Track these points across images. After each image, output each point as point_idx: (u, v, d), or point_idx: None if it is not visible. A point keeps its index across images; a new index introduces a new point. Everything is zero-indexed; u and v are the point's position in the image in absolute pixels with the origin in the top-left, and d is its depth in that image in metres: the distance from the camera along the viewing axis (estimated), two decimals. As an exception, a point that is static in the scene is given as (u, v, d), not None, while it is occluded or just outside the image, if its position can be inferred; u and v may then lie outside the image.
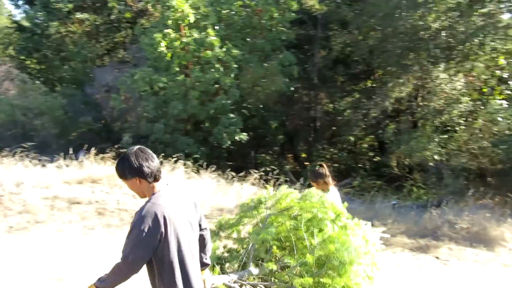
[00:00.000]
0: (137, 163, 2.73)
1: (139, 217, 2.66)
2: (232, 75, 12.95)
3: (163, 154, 9.86)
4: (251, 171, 9.66)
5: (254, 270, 3.55)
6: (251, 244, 3.69)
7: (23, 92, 15.25)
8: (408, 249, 7.33)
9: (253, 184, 9.17)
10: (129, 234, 2.67)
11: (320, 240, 3.50)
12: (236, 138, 12.82)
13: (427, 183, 12.86)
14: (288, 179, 10.02)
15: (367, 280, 3.71)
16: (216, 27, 13.12)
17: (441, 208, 8.92)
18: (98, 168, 9.36)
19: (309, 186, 4.80)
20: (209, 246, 3.18)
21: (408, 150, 12.47)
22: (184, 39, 12.47)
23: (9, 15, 24.36)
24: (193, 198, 3.01)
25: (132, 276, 2.73)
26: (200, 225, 3.05)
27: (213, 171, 9.82)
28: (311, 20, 16.16)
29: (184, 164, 9.66)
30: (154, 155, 2.82)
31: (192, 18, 12.53)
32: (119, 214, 7.57)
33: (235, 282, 3.44)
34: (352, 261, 3.33)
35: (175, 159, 9.63)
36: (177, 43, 12.39)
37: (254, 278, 3.56)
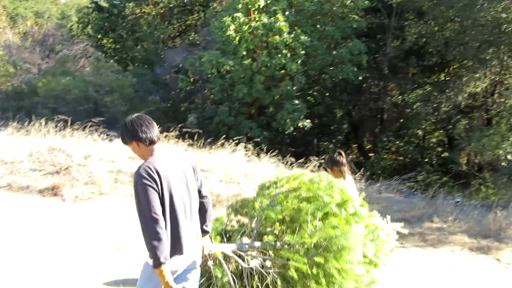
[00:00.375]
0: (133, 129, 2.94)
1: (138, 175, 2.83)
2: (299, 62, 12.81)
3: (225, 136, 9.95)
4: (311, 158, 9.54)
5: (256, 243, 3.63)
6: (255, 219, 3.80)
7: (97, 69, 15.86)
8: (468, 249, 6.97)
9: (312, 171, 9.03)
10: (135, 193, 2.85)
11: (322, 223, 3.55)
12: (300, 124, 12.72)
13: (497, 183, 12.22)
14: (349, 168, 9.82)
15: (369, 267, 3.75)
16: (286, 13, 13.01)
17: (508, 210, 8.41)
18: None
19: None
20: (210, 214, 3.29)
21: (479, 148, 11.91)
22: (253, 24, 12.45)
23: (89, -5, 25.32)
24: (193, 163, 3.15)
25: (161, 229, 2.79)
26: (200, 192, 3.18)
27: (273, 156, 9.79)
28: (385, 8, 15.66)
29: (245, 147, 9.69)
30: (151, 121, 3.03)
31: (262, 3, 12.48)
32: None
33: (233, 252, 3.52)
34: (349, 247, 3.35)
35: (237, 141, 9.68)
36: (245, 27, 12.40)
37: (254, 251, 3.62)
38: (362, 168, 9.94)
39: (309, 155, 10.67)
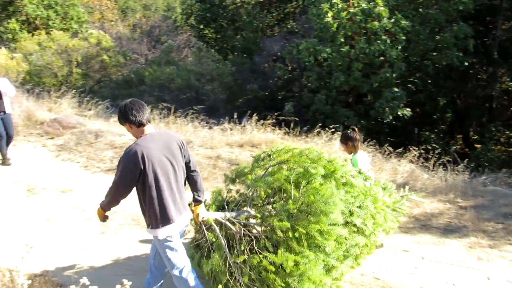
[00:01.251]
0: (125, 112, 3.49)
1: (125, 154, 3.43)
2: (399, 47, 12.37)
3: (321, 124, 9.93)
4: (410, 148, 9.22)
5: (247, 211, 3.98)
6: (249, 190, 4.17)
7: (198, 59, 16.47)
8: None
9: (411, 161, 8.73)
10: (117, 166, 3.46)
11: (304, 190, 3.86)
12: (399, 113, 12.33)
13: None
14: (450, 159, 9.36)
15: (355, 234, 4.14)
16: (387, -3, 12.63)
17: None
18: (259, 134, 9.77)
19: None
20: (200, 185, 3.81)
21: None
22: (352, 10, 12.23)
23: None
24: (180, 141, 3.63)
25: (121, 200, 3.53)
26: (189, 167, 3.70)
27: (371, 145, 9.60)
28: (496, -12, 14.64)
29: (341, 136, 9.61)
30: (142, 106, 3.54)
31: (361, -12, 12.22)
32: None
33: (226, 218, 3.87)
34: (327, 211, 3.66)
35: (333, 130, 9.62)
36: (344, 14, 12.21)
37: (247, 219, 3.93)
38: (466, 160, 9.42)
39: (408, 145, 10.33)
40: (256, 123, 10.14)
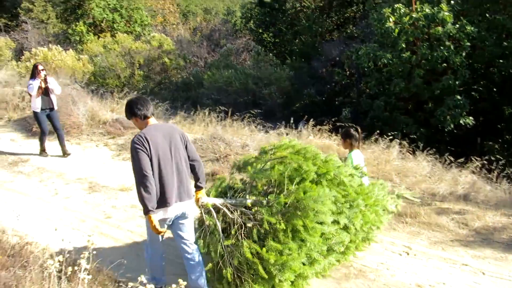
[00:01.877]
0: (131, 107, 3.97)
1: (132, 143, 3.81)
2: (463, 54, 11.94)
3: (379, 131, 9.74)
4: (472, 158, 8.88)
5: (243, 200, 4.33)
6: (246, 180, 4.65)
7: (256, 63, 16.59)
8: None
9: (473, 172, 8.41)
10: (131, 157, 3.81)
11: (296, 187, 4.21)
12: (461, 122, 11.88)
13: None
14: (515, 171, 8.94)
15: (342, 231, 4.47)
16: (452, 1, 12.22)
17: None
18: (315, 139, 9.71)
19: None
20: (201, 173, 4.22)
21: None
22: (414, 15, 11.93)
23: (253, -9, 26.41)
24: (181, 133, 4.08)
25: (151, 184, 3.72)
26: (189, 157, 4.12)
27: (430, 154, 9.33)
28: None
29: (400, 144, 9.38)
30: (146, 101, 4.03)
31: (425, -8, 11.91)
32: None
33: (224, 205, 4.27)
34: (315, 208, 4.00)
35: (391, 137, 9.42)
36: (406, 19, 11.93)
37: (245, 207, 4.26)
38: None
39: (470, 154, 9.95)
40: (313, 128, 10.09)
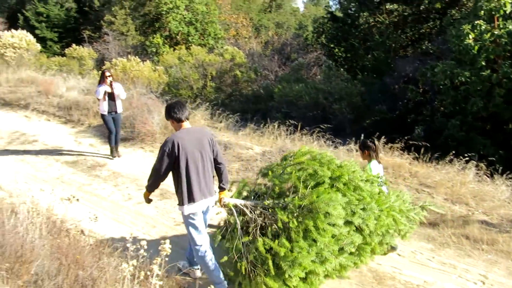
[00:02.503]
0: (169, 110, 4.53)
1: (164, 143, 4.43)
2: (549, 73, 11.28)
3: (454, 152, 9.35)
4: (557, 185, 8.31)
5: (266, 201, 4.71)
6: (268, 185, 5.02)
7: (327, 77, 16.50)
8: None
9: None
10: (158, 153, 4.44)
11: (310, 191, 4.59)
12: (546, 144, 11.21)
13: None
14: None
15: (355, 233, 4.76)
16: (538, 19, 11.60)
17: None
18: (386, 157, 9.47)
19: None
20: (225, 175, 4.78)
21: None
22: (496, 31, 11.42)
23: (325, 6, 26.41)
24: (210, 138, 4.59)
25: (159, 183, 4.58)
26: (216, 160, 4.66)
27: (510, 177, 8.82)
28: None
29: (477, 166, 8.95)
30: (183, 106, 4.54)
31: (508, 8, 11.35)
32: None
33: (244, 205, 4.68)
34: (325, 210, 4.33)
35: (467, 158, 9.01)
36: (487, 36, 11.44)
37: (263, 208, 4.66)
38: None
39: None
40: (384, 145, 9.85)
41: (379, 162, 5.86)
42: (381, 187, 5.38)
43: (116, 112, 9.37)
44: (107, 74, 9.24)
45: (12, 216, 4.18)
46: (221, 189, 4.79)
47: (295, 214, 4.42)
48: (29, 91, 14.98)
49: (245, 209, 4.67)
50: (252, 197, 4.93)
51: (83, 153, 9.87)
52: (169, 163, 4.39)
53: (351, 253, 4.85)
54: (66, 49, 25.79)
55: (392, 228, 5.13)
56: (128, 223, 6.55)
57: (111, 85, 9.19)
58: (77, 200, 6.87)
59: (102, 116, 9.39)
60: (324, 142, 10.39)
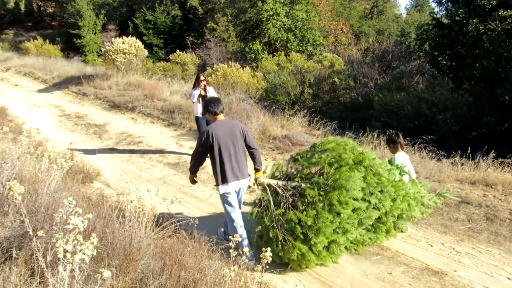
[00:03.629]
0: (206, 105, 5.46)
1: (202, 133, 5.39)
2: None
3: None
4: None
5: (292, 182, 5.53)
6: (300, 167, 5.77)
7: (431, 86, 15.76)
8: None
9: None
10: (198, 140, 5.50)
11: (334, 171, 5.35)
12: None
13: None
14: None
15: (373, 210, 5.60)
16: None
17: None
18: (494, 173, 8.86)
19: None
20: (258, 159, 5.61)
21: None
22: None
23: (430, 13, 25.36)
24: (241, 128, 5.46)
25: (199, 166, 5.62)
26: (248, 146, 5.51)
27: None
28: None
29: None
30: (218, 101, 5.50)
31: None
32: (510, 224, 6.99)
33: (277, 184, 5.49)
34: (347, 186, 5.10)
35: None
36: None
37: (293, 187, 5.45)
38: None
39: None
40: (493, 160, 9.22)
41: (406, 153, 6.85)
42: (402, 176, 6.27)
43: None
44: (202, 78, 9.61)
45: (120, 214, 4.39)
46: (256, 170, 5.67)
47: (321, 191, 5.19)
48: (136, 94, 15.87)
49: (277, 188, 5.46)
50: (284, 178, 5.70)
51: (184, 155, 10.24)
52: (205, 150, 5.31)
53: (368, 230, 5.77)
54: (170, 54, 27.03)
55: (406, 213, 5.98)
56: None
57: (205, 89, 9.51)
58: (179, 201, 7.15)
59: (196, 118, 9.79)
60: (426, 154, 9.95)
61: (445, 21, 21.90)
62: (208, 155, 5.40)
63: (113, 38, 21.47)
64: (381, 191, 5.61)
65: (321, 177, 5.32)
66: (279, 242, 5.19)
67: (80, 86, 18.80)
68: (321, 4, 34.48)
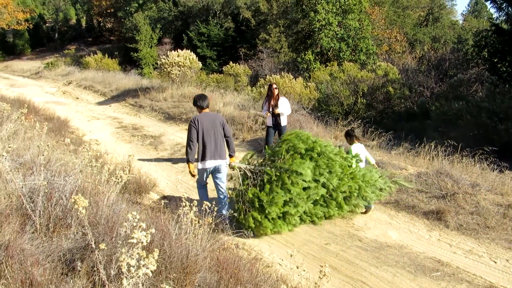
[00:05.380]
0: (195, 100, 6.81)
1: (190, 121, 6.59)
2: None
3: None
4: None
5: (257, 167, 6.86)
6: (265, 155, 7.18)
7: (491, 95, 15.15)
8: None
9: None
10: (188, 128, 6.63)
11: (288, 157, 6.76)
12: None
13: None
14: None
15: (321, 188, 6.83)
16: None
17: None
18: None
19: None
20: (232, 146, 6.98)
21: None
22: None
23: (489, 18, 24.53)
24: (221, 120, 6.77)
25: (192, 149, 6.56)
26: (225, 135, 6.79)
27: None
28: None
29: None
30: (205, 97, 6.83)
31: None
32: None
33: (246, 168, 6.82)
34: (296, 170, 6.47)
35: None
36: None
37: (259, 170, 6.76)
38: None
39: None
40: (562, 173, 8.74)
41: (361, 144, 7.98)
42: (358, 163, 7.41)
43: (280, 125, 9.71)
44: (274, 86, 9.63)
45: (176, 226, 4.44)
46: (230, 156, 7.05)
47: (277, 172, 6.51)
48: (190, 106, 16.14)
49: (246, 170, 6.82)
50: (252, 163, 6.98)
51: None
52: (194, 134, 6.52)
53: (321, 205, 6.91)
54: (223, 66, 27.40)
55: (356, 192, 7.05)
56: (279, 238, 6.63)
57: (276, 98, 9.55)
58: (233, 214, 7.17)
59: (267, 128, 9.91)
60: (487, 165, 9.54)
61: (505, 26, 21.11)
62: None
63: (168, 51, 21.99)
64: (329, 172, 6.84)
65: (279, 161, 6.73)
66: (242, 213, 6.49)
67: (137, 98, 19.35)
68: (374, 13, 34.04)
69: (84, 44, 54.41)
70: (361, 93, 17.93)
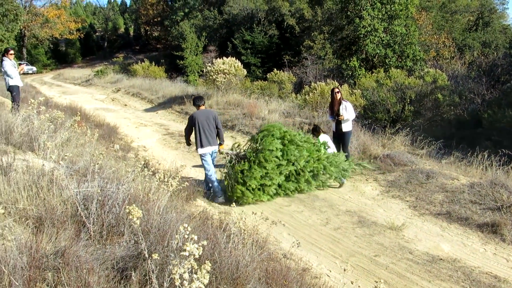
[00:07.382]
0: (194, 100, 8.69)
1: (189, 116, 8.55)
2: None
3: None
4: None
5: (241, 150, 8.68)
6: (249, 143, 8.81)
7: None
8: None
9: None
10: (187, 122, 8.63)
11: (264, 141, 8.39)
12: None
13: None
14: None
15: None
16: None
17: None
18: None
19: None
20: (221, 136, 8.53)
21: None
22: None
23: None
24: (214, 115, 8.45)
25: (189, 136, 8.66)
26: (216, 127, 8.41)
27: None
28: None
29: None
30: (201, 97, 8.67)
31: None
32: None
33: (232, 153, 8.58)
34: (268, 148, 8.21)
35: None
36: None
37: (243, 155, 8.52)
38: None
39: None
40: None
41: (326, 135, 9.91)
42: (327, 149, 9.12)
43: (342, 132, 9.62)
44: (336, 90, 9.56)
45: (224, 235, 4.41)
46: (219, 144, 8.57)
47: (254, 154, 8.22)
48: (235, 113, 16.21)
49: (232, 155, 8.54)
50: (238, 149, 8.70)
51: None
52: (191, 126, 8.33)
53: (292, 181, 8.54)
54: (267, 73, 27.42)
55: (321, 170, 8.80)
56: (327, 248, 6.52)
57: (339, 103, 9.47)
58: (279, 221, 7.11)
59: (333, 133, 9.97)
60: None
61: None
62: (194, 130, 8.36)
63: (213, 59, 22.20)
64: (298, 153, 8.52)
65: (257, 145, 8.39)
66: (229, 187, 8.25)
67: (183, 105, 19.61)
68: (421, 18, 33.36)
69: (131, 52, 55.83)
70: (408, 100, 17.51)
